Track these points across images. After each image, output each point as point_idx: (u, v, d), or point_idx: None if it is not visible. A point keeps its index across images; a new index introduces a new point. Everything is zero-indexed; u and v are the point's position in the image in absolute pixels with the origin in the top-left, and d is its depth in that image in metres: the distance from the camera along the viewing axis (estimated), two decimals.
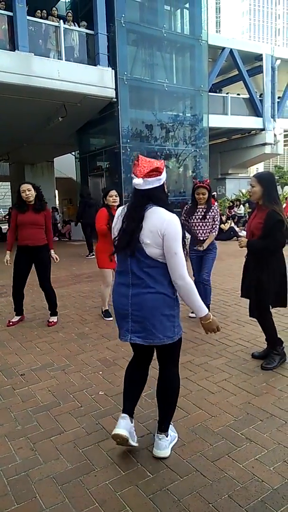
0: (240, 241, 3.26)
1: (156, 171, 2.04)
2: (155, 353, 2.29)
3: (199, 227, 4.49)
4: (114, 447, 2.31)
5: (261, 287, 3.19)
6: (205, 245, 4.48)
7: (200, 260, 4.62)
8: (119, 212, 2.20)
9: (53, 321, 4.58)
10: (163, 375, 2.26)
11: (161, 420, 2.27)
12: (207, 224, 4.47)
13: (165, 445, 2.24)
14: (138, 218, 2.03)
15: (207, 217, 4.43)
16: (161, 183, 2.09)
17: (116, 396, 2.87)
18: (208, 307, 4.55)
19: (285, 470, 2.10)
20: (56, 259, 4.57)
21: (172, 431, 2.36)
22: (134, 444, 2.23)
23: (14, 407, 2.81)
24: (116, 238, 2.14)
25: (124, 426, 2.19)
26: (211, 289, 4.67)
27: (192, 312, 4.63)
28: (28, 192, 4.31)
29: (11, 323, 4.56)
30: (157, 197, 2.07)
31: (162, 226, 1.99)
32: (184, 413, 2.66)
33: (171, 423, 2.34)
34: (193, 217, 4.50)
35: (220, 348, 3.76)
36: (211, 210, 4.46)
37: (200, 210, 4.47)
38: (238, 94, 19.12)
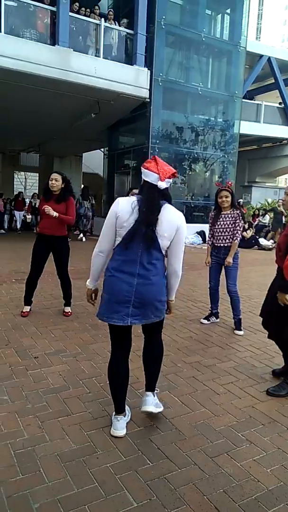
0: (281, 299, 2.86)
1: (174, 176, 2.31)
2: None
3: (220, 233, 4.34)
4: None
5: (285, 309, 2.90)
6: (230, 259, 4.28)
7: (218, 268, 4.49)
8: (127, 205, 2.25)
9: (70, 311, 4.68)
10: (152, 340, 2.54)
11: (149, 381, 2.54)
12: (228, 230, 4.30)
13: (152, 401, 2.49)
14: (158, 211, 2.24)
15: (227, 224, 4.28)
16: (170, 184, 2.35)
17: None
18: (240, 321, 4.41)
19: (281, 474, 2.14)
20: (49, 210, 4.28)
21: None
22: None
23: (26, 386, 2.94)
24: (131, 229, 2.23)
25: (121, 427, 2.42)
26: (240, 300, 4.47)
27: (204, 318, 4.68)
28: (55, 181, 4.35)
29: (25, 313, 4.57)
30: (168, 195, 2.35)
31: (178, 220, 2.29)
32: (188, 409, 2.73)
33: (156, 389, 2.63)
34: (217, 223, 4.36)
35: (230, 352, 3.81)
36: (229, 216, 4.29)
37: (223, 216, 4.33)
38: (280, 103, 18.91)
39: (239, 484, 2.04)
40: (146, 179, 2.29)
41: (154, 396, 2.56)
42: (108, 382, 2.50)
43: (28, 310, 4.65)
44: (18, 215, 15.09)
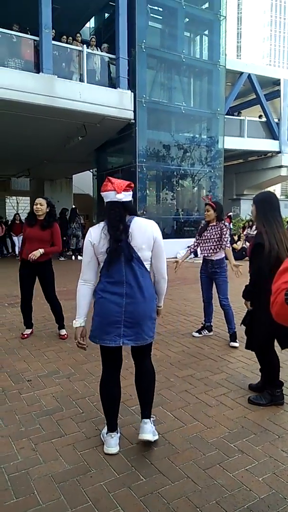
0: (245, 305, 3.08)
1: (129, 187, 2.34)
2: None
3: (205, 244, 4.50)
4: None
5: (253, 318, 3.02)
6: (235, 263, 4.33)
7: (208, 281, 4.59)
8: (98, 231, 2.31)
9: (65, 334, 4.65)
10: (143, 368, 2.51)
11: (144, 407, 2.50)
12: (213, 241, 4.45)
13: (150, 429, 2.46)
14: (123, 226, 2.27)
15: (212, 235, 4.45)
16: (131, 198, 2.39)
17: None
18: (235, 335, 4.38)
19: (273, 481, 2.17)
20: (34, 255, 4.28)
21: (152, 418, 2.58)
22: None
23: (19, 410, 2.95)
24: (108, 250, 2.28)
25: (115, 444, 2.44)
26: (233, 312, 4.50)
27: (196, 331, 4.71)
28: (40, 206, 4.38)
29: (25, 336, 4.63)
30: (132, 208, 2.40)
31: (152, 230, 2.35)
32: (181, 423, 2.75)
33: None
34: (203, 234, 4.55)
35: (222, 364, 3.84)
36: (214, 227, 4.46)
37: (209, 228, 4.51)
38: (260, 117, 19.37)
39: (231, 494, 2.07)
40: (106, 200, 2.33)
41: (151, 423, 2.50)
42: (100, 400, 2.51)
43: (29, 332, 4.71)
44: (17, 239, 14.15)
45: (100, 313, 2.32)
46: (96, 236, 2.31)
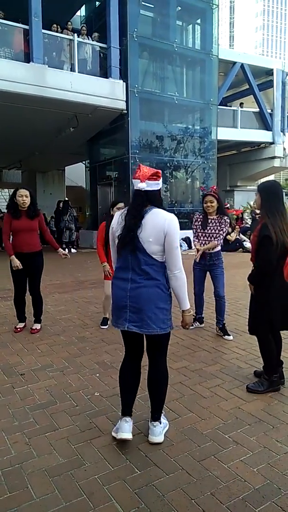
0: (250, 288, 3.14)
1: (156, 175, 2.29)
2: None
3: (207, 238, 4.33)
4: (106, 444, 2.42)
5: (254, 303, 3.11)
6: (199, 254, 4.27)
7: (203, 274, 4.51)
8: (119, 216, 2.37)
9: (36, 328, 4.59)
10: (154, 367, 2.45)
11: (154, 409, 2.46)
12: (215, 236, 4.30)
13: (159, 431, 2.43)
14: (139, 216, 2.25)
15: (214, 230, 4.28)
16: (159, 187, 2.34)
17: (111, 397, 2.97)
18: (225, 328, 4.37)
19: (268, 472, 2.17)
20: (65, 255, 4.78)
21: (163, 419, 2.55)
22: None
23: (12, 404, 2.92)
24: (119, 236, 2.31)
25: (129, 430, 2.40)
26: (225, 305, 4.48)
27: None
28: (26, 198, 4.31)
29: (18, 329, 4.58)
30: (155, 198, 2.33)
31: (164, 224, 2.24)
32: (175, 415, 2.74)
33: (162, 411, 2.52)
34: (207, 228, 4.33)
35: (216, 355, 3.84)
36: (215, 221, 4.29)
37: (210, 221, 4.33)
38: (241, 104, 19.29)
39: (226, 486, 2.06)
40: (134, 188, 2.34)
41: (160, 424, 2.47)
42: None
43: (22, 326, 4.66)
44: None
45: (113, 298, 2.41)
46: (116, 220, 2.37)
